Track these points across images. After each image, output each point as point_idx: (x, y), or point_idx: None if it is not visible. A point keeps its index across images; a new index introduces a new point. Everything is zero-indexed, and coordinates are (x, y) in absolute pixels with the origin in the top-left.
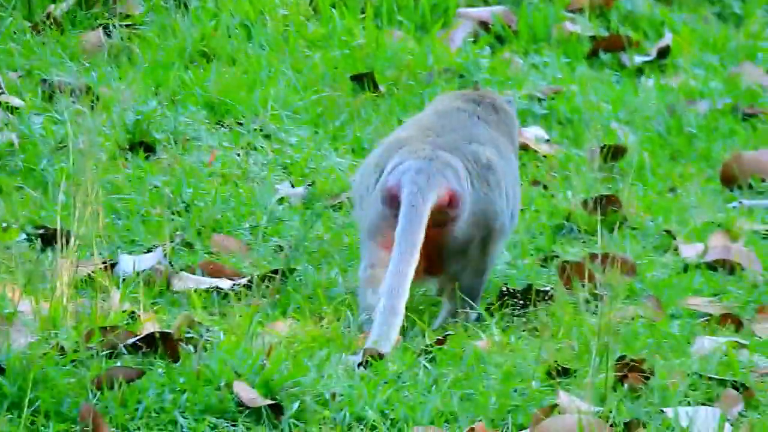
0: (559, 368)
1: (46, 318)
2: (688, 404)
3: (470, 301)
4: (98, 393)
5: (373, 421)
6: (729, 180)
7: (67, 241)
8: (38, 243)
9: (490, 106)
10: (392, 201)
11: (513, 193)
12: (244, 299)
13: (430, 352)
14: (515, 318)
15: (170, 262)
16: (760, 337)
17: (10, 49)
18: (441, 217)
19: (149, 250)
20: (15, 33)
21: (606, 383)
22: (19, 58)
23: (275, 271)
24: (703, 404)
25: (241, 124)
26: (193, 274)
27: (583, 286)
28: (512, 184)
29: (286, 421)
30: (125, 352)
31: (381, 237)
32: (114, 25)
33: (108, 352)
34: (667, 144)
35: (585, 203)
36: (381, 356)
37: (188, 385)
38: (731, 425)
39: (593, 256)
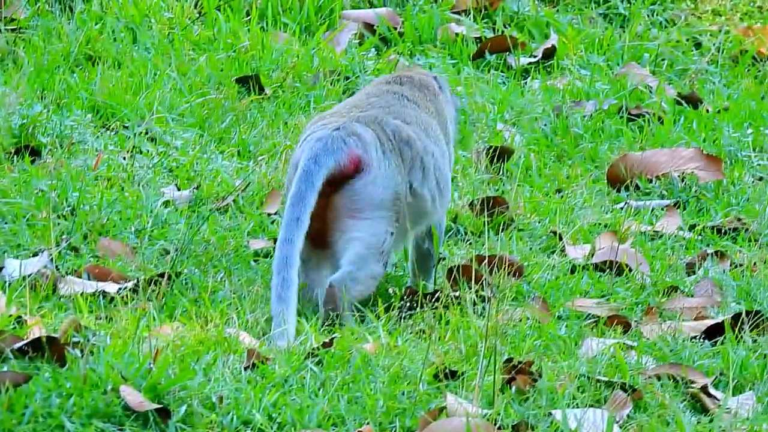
0: (447, 371)
1: None
2: (576, 406)
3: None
4: None
5: (260, 424)
6: (616, 181)
7: None
8: None
9: (416, 86)
10: (296, 169)
11: (437, 169)
12: (131, 303)
13: (317, 355)
14: (402, 320)
15: (56, 266)
16: (647, 339)
17: None
18: (344, 181)
19: (35, 254)
20: None
21: (493, 385)
22: None
23: (161, 275)
24: (591, 406)
25: (126, 127)
26: (80, 278)
27: (470, 287)
28: (436, 159)
29: (173, 425)
30: (12, 356)
31: None
32: None
33: None
34: (553, 145)
35: (472, 205)
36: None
37: (75, 390)
38: (620, 427)
39: (480, 258)
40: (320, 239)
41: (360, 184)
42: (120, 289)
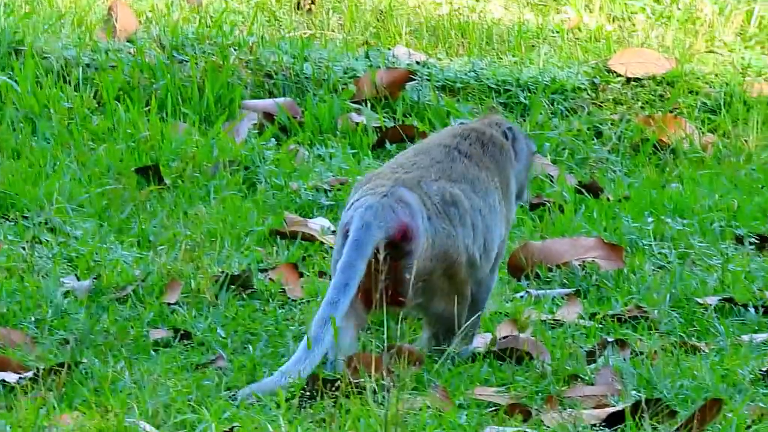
0: None
1: None
2: None
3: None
4: None
5: None
6: (516, 269)
7: None
8: None
9: (478, 140)
10: (346, 236)
11: (484, 226)
12: (31, 392)
13: None
14: (302, 409)
15: None
16: (548, 427)
17: None
18: (396, 251)
19: None
20: None
21: None
22: None
23: (61, 364)
24: None
25: (26, 217)
26: None
27: (371, 376)
28: (484, 215)
29: None
30: None
31: None
32: None
33: None
34: None
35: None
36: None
37: None
38: None
39: (381, 347)
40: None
41: (415, 259)
42: (20, 378)
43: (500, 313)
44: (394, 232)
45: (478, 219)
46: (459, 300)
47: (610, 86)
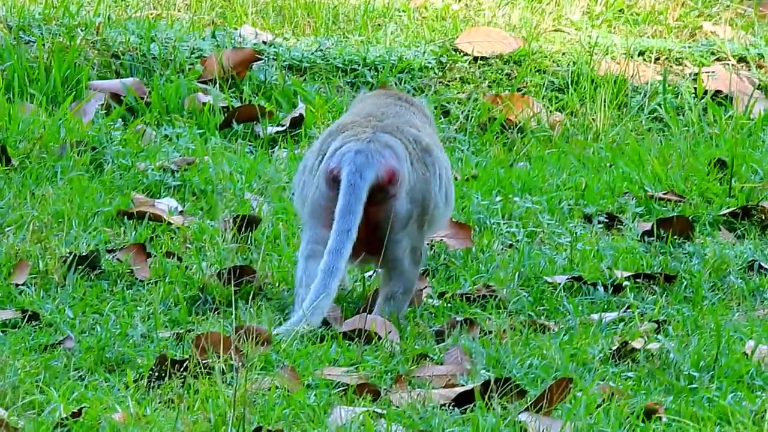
0: None
1: None
2: None
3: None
4: None
5: None
6: None
7: None
8: None
9: (407, 101)
10: (334, 182)
11: (447, 178)
12: None
13: (66, 425)
14: (151, 390)
15: None
16: (397, 407)
17: None
18: (381, 195)
19: None
20: None
21: None
22: None
23: None
24: None
25: None
26: None
27: (219, 356)
28: (446, 169)
29: None
30: None
31: (324, 217)
32: None
33: None
34: None
35: (220, 274)
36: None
37: None
38: None
39: (229, 327)
40: (355, 251)
41: (399, 202)
42: None
43: (348, 293)
44: (383, 176)
45: (443, 170)
46: (418, 256)
47: (457, 65)
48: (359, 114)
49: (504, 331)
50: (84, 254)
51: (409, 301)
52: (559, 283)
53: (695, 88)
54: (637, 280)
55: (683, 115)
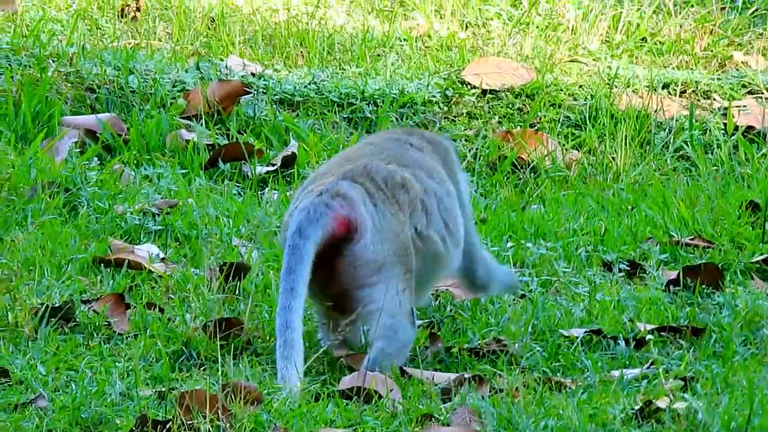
0: None
1: None
2: None
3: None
4: None
5: None
6: None
7: None
8: None
9: (423, 138)
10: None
11: (446, 210)
12: None
13: None
14: None
15: None
16: None
17: None
18: (345, 245)
19: None
20: None
21: None
22: None
23: None
24: None
25: None
26: None
27: (205, 417)
28: (444, 201)
29: None
30: None
31: None
32: None
33: None
34: None
35: (205, 327)
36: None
37: None
38: None
39: (216, 384)
40: (339, 305)
41: (359, 247)
42: None
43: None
44: (333, 228)
45: (433, 201)
46: (408, 306)
47: (463, 99)
48: (344, 157)
49: (516, 389)
50: (57, 305)
51: (404, 356)
52: (577, 337)
53: (725, 124)
54: (662, 333)
55: (712, 153)
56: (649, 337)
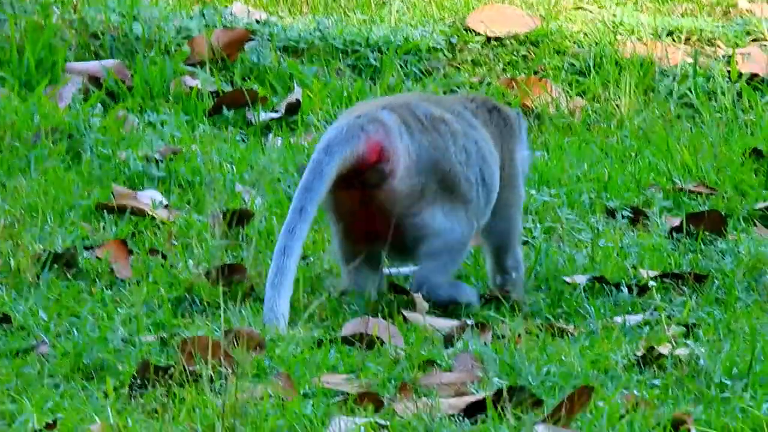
0: None
1: None
2: None
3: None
4: None
5: None
6: None
7: None
8: None
9: (484, 105)
10: None
11: (480, 157)
12: None
13: None
14: (133, 399)
15: None
16: (401, 417)
17: None
18: (374, 175)
19: None
20: None
21: None
22: None
23: None
24: None
25: None
26: None
27: (207, 363)
28: (483, 149)
29: None
30: None
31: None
32: None
33: None
34: None
35: (208, 273)
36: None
37: None
38: None
39: (218, 330)
40: (370, 238)
41: (396, 181)
42: None
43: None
44: (364, 152)
45: (472, 146)
46: (459, 219)
47: (468, 46)
48: (389, 97)
49: (519, 335)
50: (59, 252)
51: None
52: (579, 284)
53: (729, 71)
54: (665, 280)
55: (715, 100)
56: (651, 283)
